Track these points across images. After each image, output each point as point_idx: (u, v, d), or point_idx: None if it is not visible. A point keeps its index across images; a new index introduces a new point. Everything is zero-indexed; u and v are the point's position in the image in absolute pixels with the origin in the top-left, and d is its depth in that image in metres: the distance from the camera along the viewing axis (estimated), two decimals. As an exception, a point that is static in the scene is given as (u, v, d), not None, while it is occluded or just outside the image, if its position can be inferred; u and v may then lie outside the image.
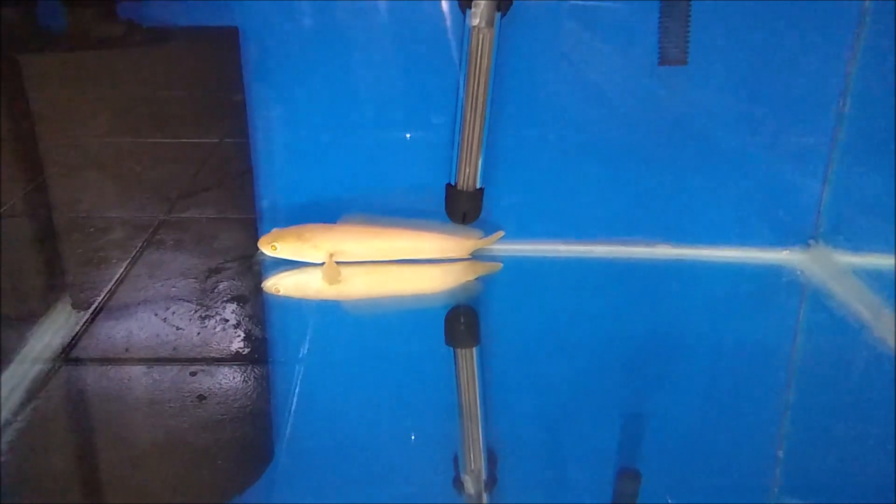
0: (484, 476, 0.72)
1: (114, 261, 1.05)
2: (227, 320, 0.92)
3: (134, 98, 1.20)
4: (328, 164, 1.11)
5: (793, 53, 1.03)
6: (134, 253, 1.07)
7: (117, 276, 1.02)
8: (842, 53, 1.02)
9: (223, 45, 1.10)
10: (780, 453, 0.76)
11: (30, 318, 0.93)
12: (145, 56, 1.20)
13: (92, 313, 0.93)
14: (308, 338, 0.92)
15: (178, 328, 0.90)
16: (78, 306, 0.95)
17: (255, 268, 1.06)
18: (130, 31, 1.20)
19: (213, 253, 1.09)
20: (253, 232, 1.13)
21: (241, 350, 0.87)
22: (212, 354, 0.86)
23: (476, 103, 1.00)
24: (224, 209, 1.20)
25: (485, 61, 0.98)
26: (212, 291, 0.99)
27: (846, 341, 0.97)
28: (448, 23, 1.01)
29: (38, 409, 0.76)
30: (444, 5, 1.01)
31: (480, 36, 0.96)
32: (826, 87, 1.04)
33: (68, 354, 0.86)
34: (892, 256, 1.04)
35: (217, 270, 1.04)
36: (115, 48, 1.18)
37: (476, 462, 0.74)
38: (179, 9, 1.18)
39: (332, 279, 1.03)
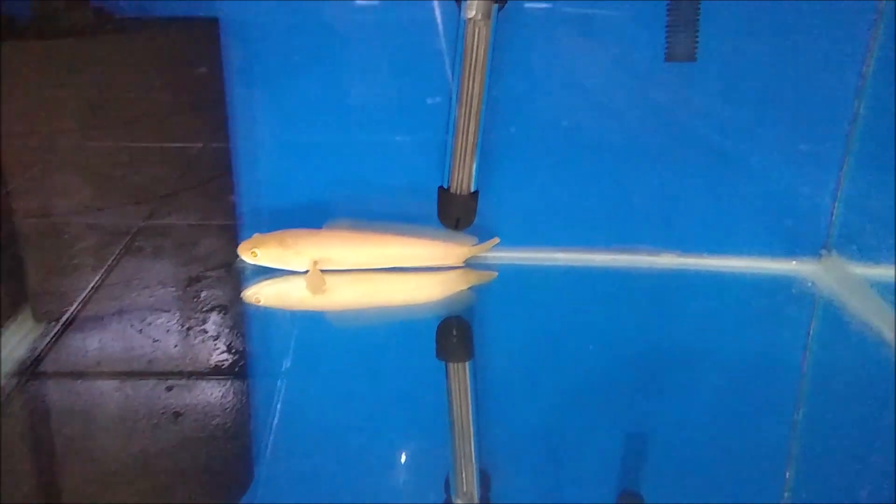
0: (476, 499, 0.72)
1: (88, 268, 1.05)
2: (207, 332, 0.93)
3: (103, 92, 1.20)
4: (313, 166, 1.11)
5: (805, 56, 1.04)
6: (110, 260, 1.07)
7: (91, 284, 1.02)
8: (856, 57, 1.04)
9: (202, 37, 1.09)
10: (790, 473, 0.77)
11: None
12: (116, 47, 1.20)
13: (63, 324, 0.93)
14: (291, 351, 0.93)
15: (154, 340, 0.90)
16: (45, 317, 0.94)
17: (235, 276, 1.06)
18: (100, 19, 1.19)
19: (193, 260, 1.09)
20: (235, 238, 1.13)
21: (220, 363, 0.87)
22: (189, 368, 0.86)
23: (471, 101, 1.01)
24: (205, 214, 1.20)
25: (480, 56, 0.98)
26: (191, 301, 0.99)
27: (860, 355, 0.98)
28: (443, 17, 1.02)
29: None
30: (439, -2, 1.01)
31: (476, 29, 0.97)
32: (839, 90, 1.05)
33: (36, 368, 0.85)
34: (908, 267, 1.05)
35: (197, 279, 1.05)
36: (83, 38, 1.18)
37: (468, 484, 0.74)
38: (156, -3, 1.18)
39: (317, 288, 1.03)
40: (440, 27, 1.03)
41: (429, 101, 1.07)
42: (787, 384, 0.93)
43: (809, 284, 1.10)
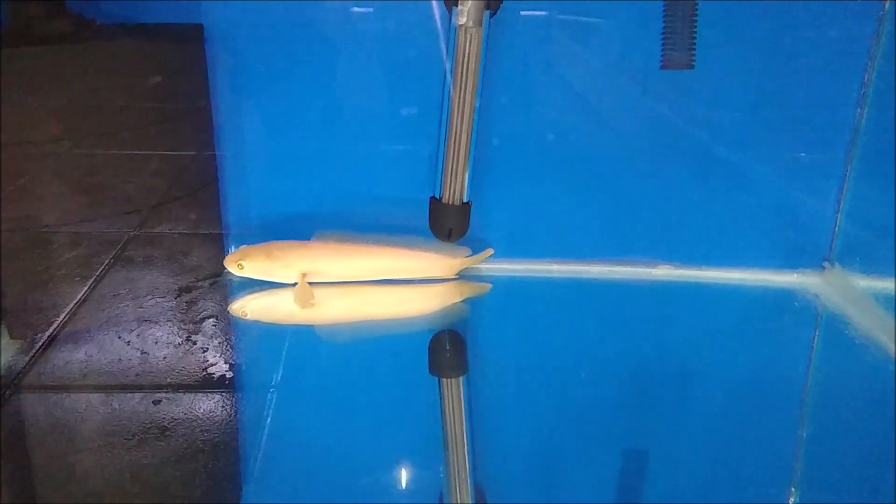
0: (472, 516, 0.74)
1: (76, 279, 1.07)
2: (195, 343, 0.94)
3: (87, 100, 1.21)
4: (301, 175, 1.13)
5: (805, 63, 1.06)
6: (100, 270, 1.09)
7: (80, 295, 1.03)
8: (858, 63, 1.05)
9: (186, 43, 1.10)
10: (795, 489, 0.78)
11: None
12: (97, 55, 1.21)
13: (49, 335, 0.95)
14: (280, 366, 0.93)
15: (142, 352, 0.92)
16: (31, 329, 0.96)
17: (224, 288, 1.07)
18: (80, 27, 1.21)
19: (183, 271, 1.11)
20: (223, 249, 1.14)
21: (208, 377, 0.88)
22: (177, 381, 0.87)
23: (463, 109, 1.02)
24: (197, 224, 1.21)
25: (472, 64, 1.00)
26: (180, 312, 1.01)
27: (865, 371, 0.98)
28: (435, 24, 1.04)
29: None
30: (432, 5, 1.03)
31: (468, 36, 0.98)
32: (841, 98, 1.07)
33: (20, 381, 0.87)
34: (913, 279, 1.06)
35: (187, 290, 1.06)
36: (63, 45, 1.19)
37: (463, 501, 0.75)
38: (138, 4, 1.19)
39: (305, 302, 1.04)
40: (435, 34, 1.04)
41: (421, 109, 1.08)
42: (790, 401, 0.94)
43: (812, 298, 1.12)
